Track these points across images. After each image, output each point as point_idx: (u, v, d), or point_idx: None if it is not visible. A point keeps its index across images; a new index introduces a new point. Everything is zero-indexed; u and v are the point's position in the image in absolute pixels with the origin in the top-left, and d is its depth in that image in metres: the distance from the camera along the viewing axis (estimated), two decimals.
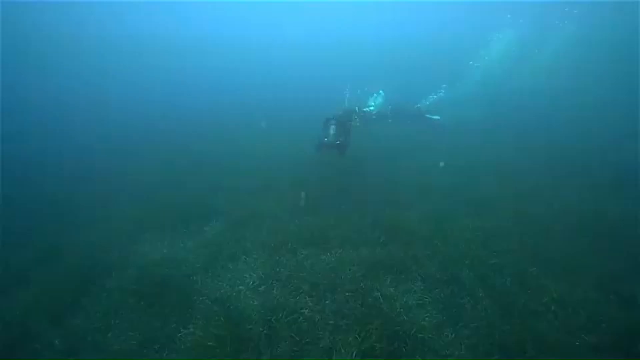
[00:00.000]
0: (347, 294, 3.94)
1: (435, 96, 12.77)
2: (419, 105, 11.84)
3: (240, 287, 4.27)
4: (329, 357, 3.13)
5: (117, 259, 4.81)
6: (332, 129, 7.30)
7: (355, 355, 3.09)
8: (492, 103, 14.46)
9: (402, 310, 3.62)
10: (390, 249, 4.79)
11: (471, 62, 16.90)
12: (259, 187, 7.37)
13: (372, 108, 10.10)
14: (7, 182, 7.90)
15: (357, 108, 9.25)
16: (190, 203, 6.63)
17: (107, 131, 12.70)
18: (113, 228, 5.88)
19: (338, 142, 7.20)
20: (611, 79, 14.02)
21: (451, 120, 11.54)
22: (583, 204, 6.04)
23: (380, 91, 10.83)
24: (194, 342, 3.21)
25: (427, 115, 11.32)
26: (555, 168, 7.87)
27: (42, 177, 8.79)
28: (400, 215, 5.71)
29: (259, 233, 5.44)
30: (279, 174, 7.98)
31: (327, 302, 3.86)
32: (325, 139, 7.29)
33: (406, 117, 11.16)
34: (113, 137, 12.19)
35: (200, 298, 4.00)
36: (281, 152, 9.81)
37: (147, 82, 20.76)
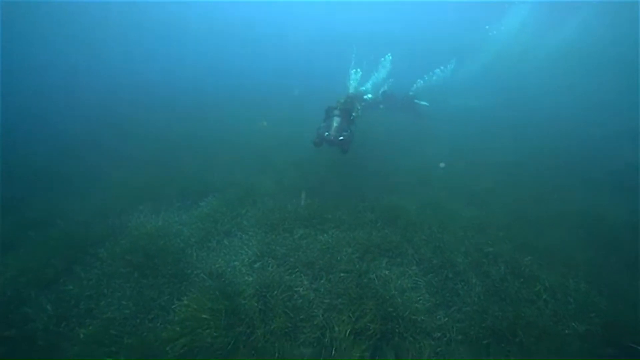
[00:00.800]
0: (342, 274, 3.94)
1: (423, 81, 11.92)
2: (411, 92, 11.27)
3: (236, 262, 4.26)
4: (323, 334, 3.16)
5: (111, 228, 4.72)
6: (335, 121, 5.87)
7: (349, 334, 3.13)
8: (494, 93, 14.29)
9: (396, 292, 3.64)
10: (387, 233, 4.79)
11: (487, 27, 15.97)
12: (257, 167, 7.25)
13: (369, 96, 9.65)
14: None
15: (363, 95, 8.58)
16: (187, 179, 6.50)
17: (105, 107, 12.23)
18: (107, 199, 5.76)
19: (341, 138, 5.78)
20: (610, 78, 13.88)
21: (440, 107, 11.22)
22: (580, 200, 6.10)
23: (388, 55, 10.15)
24: (188, 314, 3.20)
25: (416, 101, 10.88)
26: (555, 165, 7.87)
27: (36, 150, 8.50)
28: (398, 201, 5.68)
29: (256, 211, 5.38)
30: (277, 156, 7.83)
31: (322, 281, 3.88)
32: (327, 134, 5.76)
33: (397, 103, 10.76)
34: (111, 112, 11.77)
35: (195, 272, 3.97)
36: (281, 135, 9.58)
37: (148, 60, 20.01)
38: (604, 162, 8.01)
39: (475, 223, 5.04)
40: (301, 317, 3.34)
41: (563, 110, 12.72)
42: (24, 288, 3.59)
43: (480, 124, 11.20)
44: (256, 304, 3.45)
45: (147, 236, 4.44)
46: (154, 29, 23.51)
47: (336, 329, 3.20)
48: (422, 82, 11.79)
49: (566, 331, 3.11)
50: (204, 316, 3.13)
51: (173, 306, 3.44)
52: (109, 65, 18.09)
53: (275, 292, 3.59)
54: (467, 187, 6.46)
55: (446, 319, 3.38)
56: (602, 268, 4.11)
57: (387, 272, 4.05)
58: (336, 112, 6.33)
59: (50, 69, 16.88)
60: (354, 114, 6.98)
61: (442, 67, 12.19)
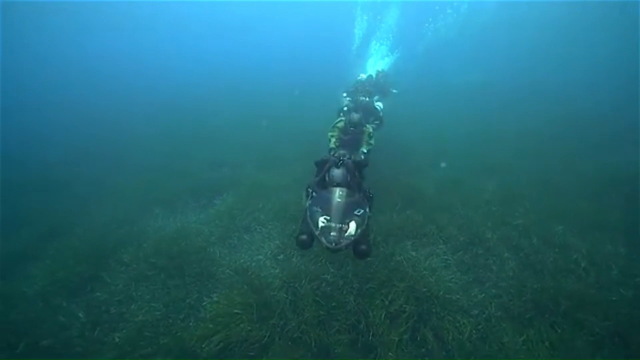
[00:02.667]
0: (368, 258, 3.85)
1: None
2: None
3: (259, 256, 4.21)
4: (357, 321, 3.09)
5: (130, 233, 4.71)
6: (337, 176, 3.13)
7: (384, 318, 3.05)
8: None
9: (426, 272, 3.54)
10: (409, 214, 4.66)
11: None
12: (266, 162, 7.15)
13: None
14: (9, 162, 7.71)
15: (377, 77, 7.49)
16: (197, 178, 6.45)
17: (113, 111, 12.23)
18: (121, 205, 5.75)
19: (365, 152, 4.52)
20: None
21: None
22: (603, 164, 5.85)
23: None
24: (220, 310, 3.16)
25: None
26: (567, 132, 7.57)
27: (46, 154, 8.57)
28: (416, 182, 5.54)
29: (272, 205, 5.31)
30: (285, 150, 7.69)
31: (348, 267, 3.79)
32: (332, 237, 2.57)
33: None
34: (116, 117, 11.79)
35: (220, 269, 3.94)
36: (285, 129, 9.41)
37: (151, 59, 19.85)
38: (616, 124, 7.69)
39: (499, 196, 4.88)
40: (333, 304, 3.27)
41: (569, 78, 12.24)
42: (54, 297, 3.60)
43: (486, 97, 10.87)
44: (286, 295, 3.40)
45: (168, 238, 4.41)
46: (156, 28, 23.29)
47: (370, 313, 3.12)
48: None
49: (613, 298, 2.97)
50: (236, 311, 3.09)
51: (203, 304, 3.41)
52: (112, 65, 18.04)
53: (303, 281, 3.53)
54: (484, 161, 6.27)
55: (482, 295, 3.28)
56: (636, 229, 3.92)
57: (413, 253, 3.95)
58: (350, 104, 6.03)
59: (54, 72, 16.95)
60: (378, 106, 6.08)
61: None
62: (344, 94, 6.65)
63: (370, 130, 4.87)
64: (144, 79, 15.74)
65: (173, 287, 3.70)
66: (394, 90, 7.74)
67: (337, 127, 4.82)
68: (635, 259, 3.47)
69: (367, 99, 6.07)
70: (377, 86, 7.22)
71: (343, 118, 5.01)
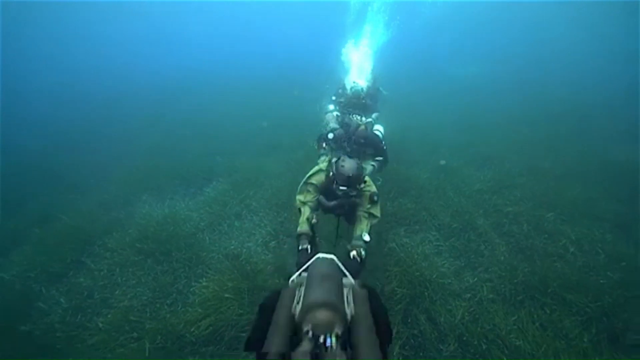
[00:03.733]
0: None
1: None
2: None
3: (250, 243, 4.13)
4: None
5: (117, 219, 4.55)
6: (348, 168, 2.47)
7: None
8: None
9: (419, 257, 3.53)
10: (401, 202, 4.65)
11: None
12: (261, 150, 7.02)
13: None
14: None
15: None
16: (188, 166, 6.26)
17: (104, 98, 11.75)
18: (109, 191, 5.55)
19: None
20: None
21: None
22: (593, 154, 6.00)
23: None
24: (209, 295, 3.07)
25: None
26: (563, 122, 7.73)
27: (35, 144, 8.17)
28: (409, 170, 5.53)
29: (264, 192, 5.22)
30: (280, 138, 7.56)
31: (341, 252, 3.75)
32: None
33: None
34: (110, 104, 11.34)
35: (210, 255, 3.84)
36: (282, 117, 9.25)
37: (147, 46, 19.30)
38: (611, 114, 7.92)
39: (491, 185, 4.92)
40: None
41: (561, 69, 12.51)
42: (34, 283, 3.44)
43: (479, 89, 11.00)
44: (278, 281, 3.34)
45: (155, 224, 4.27)
46: (153, 21, 22.63)
47: None
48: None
49: (601, 281, 3.02)
50: (227, 295, 3.01)
51: (192, 289, 3.31)
52: (102, 53, 17.44)
53: (296, 267, 3.47)
54: (478, 151, 6.32)
55: (475, 279, 3.30)
56: (625, 217, 4.02)
57: (407, 239, 3.95)
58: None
59: (42, 59, 16.27)
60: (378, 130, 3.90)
61: None
62: (330, 106, 4.41)
63: (374, 189, 2.75)
64: (142, 73, 15.14)
65: (160, 272, 3.59)
66: (384, 92, 5.57)
67: (314, 184, 2.72)
68: (621, 245, 3.56)
69: (364, 119, 4.02)
70: (371, 95, 4.82)
71: (325, 158, 3.29)
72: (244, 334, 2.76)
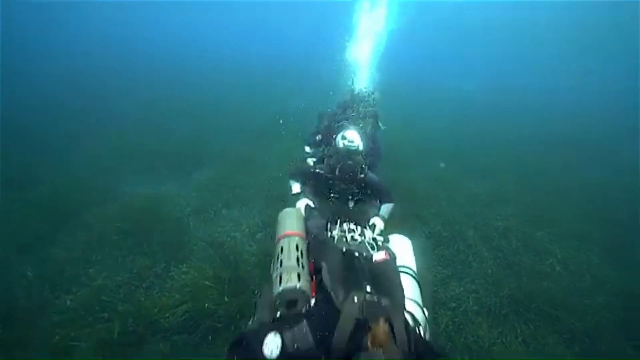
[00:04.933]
0: None
1: None
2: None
3: (236, 233, 4.00)
4: None
5: (97, 194, 4.34)
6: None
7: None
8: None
9: None
10: (394, 208, 4.60)
11: None
12: (253, 138, 6.87)
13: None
14: None
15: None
16: (177, 151, 6.05)
17: (94, 70, 11.37)
18: (91, 168, 5.31)
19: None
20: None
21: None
22: (586, 175, 6.12)
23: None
24: (188, 281, 2.93)
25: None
26: (559, 142, 7.87)
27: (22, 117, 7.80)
28: (402, 176, 5.50)
29: (254, 180, 5.10)
30: (273, 127, 7.41)
31: None
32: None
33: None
34: (101, 75, 10.96)
35: (193, 240, 3.70)
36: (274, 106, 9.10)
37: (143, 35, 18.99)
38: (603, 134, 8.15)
39: (484, 198, 4.93)
40: None
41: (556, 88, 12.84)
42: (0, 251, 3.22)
43: (475, 104, 11.16)
44: (261, 273, 3.22)
45: (138, 202, 4.10)
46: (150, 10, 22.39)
47: None
48: None
49: (585, 301, 3.03)
50: (206, 283, 2.87)
51: (170, 274, 3.16)
52: (100, 30, 17.06)
53: None
54: (473, 162, 6.36)
55: (461, 289, 3.25)
56: (612, 241, 4.07)
57: None
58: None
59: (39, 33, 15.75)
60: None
61: None
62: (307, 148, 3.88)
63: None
64: (145, 68, 14.74)
65: (139, 253, 3.42)
66: (383, 127, 4.36)
67: None
68: (606, 268, 3.58)
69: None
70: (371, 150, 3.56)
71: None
72: (220, 325, 2.64)
